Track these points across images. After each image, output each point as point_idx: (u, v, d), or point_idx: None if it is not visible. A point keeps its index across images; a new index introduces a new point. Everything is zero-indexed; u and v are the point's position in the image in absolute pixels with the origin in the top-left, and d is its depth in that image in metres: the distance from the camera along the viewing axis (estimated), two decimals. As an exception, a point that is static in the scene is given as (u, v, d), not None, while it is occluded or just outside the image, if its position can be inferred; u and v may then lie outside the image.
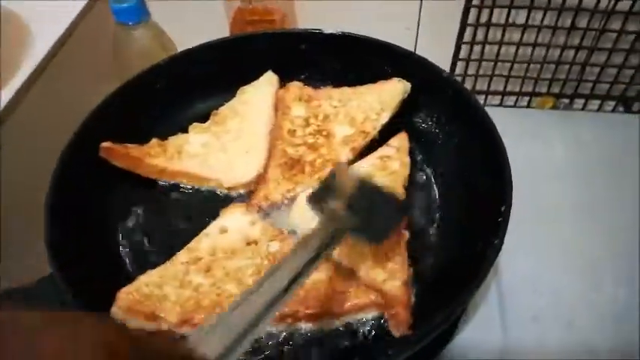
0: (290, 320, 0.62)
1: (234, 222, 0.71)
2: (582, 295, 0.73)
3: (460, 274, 0.61)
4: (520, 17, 1.04)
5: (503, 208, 0.63)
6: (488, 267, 0.59)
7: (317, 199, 0.60)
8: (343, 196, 0.58)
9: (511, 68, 1.10)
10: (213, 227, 0.71)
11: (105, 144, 0.74)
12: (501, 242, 0.61)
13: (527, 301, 0.73)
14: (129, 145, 0.76)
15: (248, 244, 0.69)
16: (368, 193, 0.59)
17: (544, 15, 1.01)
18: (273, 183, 0.75)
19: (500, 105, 1.14)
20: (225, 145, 0.79)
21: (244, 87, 0.85)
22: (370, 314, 0.63)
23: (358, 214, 0.56)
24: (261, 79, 0.86)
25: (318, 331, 0.63)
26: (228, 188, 0.76)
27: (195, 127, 0.81)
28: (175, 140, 0.79)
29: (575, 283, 0.74)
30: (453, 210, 0.74)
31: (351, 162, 0.77)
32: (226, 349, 0.34)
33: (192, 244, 0.69)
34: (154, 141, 0.78)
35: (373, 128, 0.80)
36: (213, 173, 0.76)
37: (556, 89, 1.12)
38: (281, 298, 0.41)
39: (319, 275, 0.64)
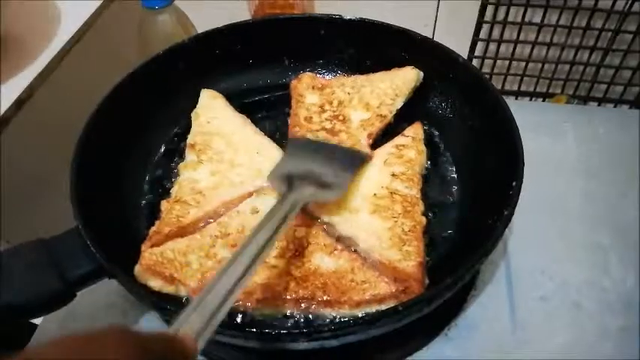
0: (306, 304, 0.63)
1: (266, 204, 0.71)
2: (590, 278, 0.73)
3: (472, 248, 0.62)
4: (536, 17, 1.06)
5: (514, 184, 0.64)
6: (499, 235, 0.60)
7: (276, 175, 0.67)
8: (300, 166, 0.68)
9: (526, 67, 1.12)
10: (246, 206, 0.72)
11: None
12: (511, 214, 0.61)
13: (536, 283, 0.73)
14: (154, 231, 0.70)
15: None
16: (321, 153, 0.73)
17: (560, 15, 1.03)
18: None
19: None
20: (232, 161, 0.77)
21: (195, 110, 0.83)
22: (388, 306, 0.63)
23: (315, 178, 0.65)
24: (203, 97, 0.85)
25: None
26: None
27: (185, 166, 0.77)
28: (181, 190, 0.74)
29: (583, 268, 0.74)
30: (469, 189, 0.75)
31: (371, 145, 0.79)
32: (204, 325, 0.40)
33: (224, 218, 0.71)
34: (166, 204, 0.72)
35: (389, 112, 0.82)
36: (250, 186, 0.74)
37: (570, 91, 1.13)
38: (245, 276, 0.46)
39: (341, 264, 0.65)
